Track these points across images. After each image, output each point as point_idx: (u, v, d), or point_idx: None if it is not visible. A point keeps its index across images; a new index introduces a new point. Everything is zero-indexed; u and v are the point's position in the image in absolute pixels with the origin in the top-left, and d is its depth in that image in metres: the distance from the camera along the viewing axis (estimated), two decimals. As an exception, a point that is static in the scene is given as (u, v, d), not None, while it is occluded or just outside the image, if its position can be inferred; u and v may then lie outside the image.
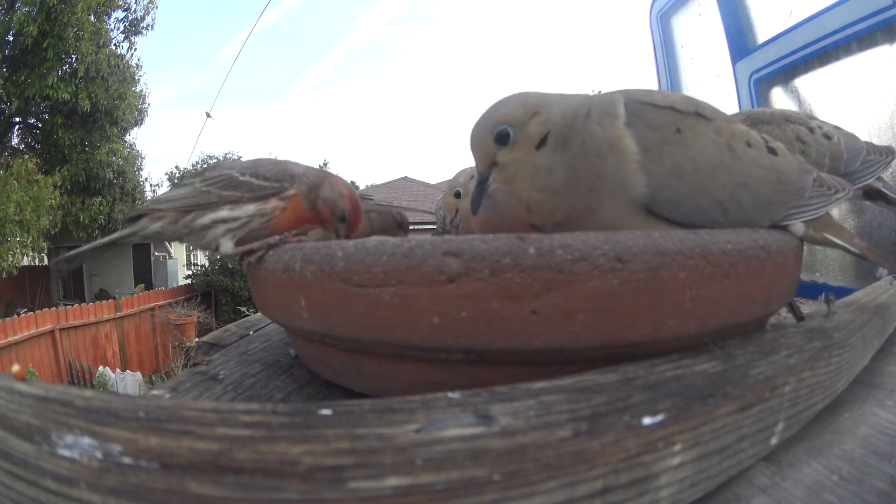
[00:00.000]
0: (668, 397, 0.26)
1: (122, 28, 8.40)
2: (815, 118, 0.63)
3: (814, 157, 0.58)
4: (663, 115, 0.39)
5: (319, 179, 0.55)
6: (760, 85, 1.12)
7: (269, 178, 0.53)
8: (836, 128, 0.63)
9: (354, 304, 0.34)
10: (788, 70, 1.05)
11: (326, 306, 0.36)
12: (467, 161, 0.74)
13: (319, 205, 0.54)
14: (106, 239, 0.59)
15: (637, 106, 0.40)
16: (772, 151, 0.42)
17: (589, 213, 0.40)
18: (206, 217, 0.51)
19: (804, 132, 0.60)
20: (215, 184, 0.52)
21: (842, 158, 0.59)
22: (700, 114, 0.40)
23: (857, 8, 0.89)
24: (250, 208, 0.52)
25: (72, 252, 0.61)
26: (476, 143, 0.42)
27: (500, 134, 0.41)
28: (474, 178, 0.66)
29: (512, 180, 0.42)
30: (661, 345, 0.33)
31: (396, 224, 0.83)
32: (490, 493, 0.20)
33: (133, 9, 8.39)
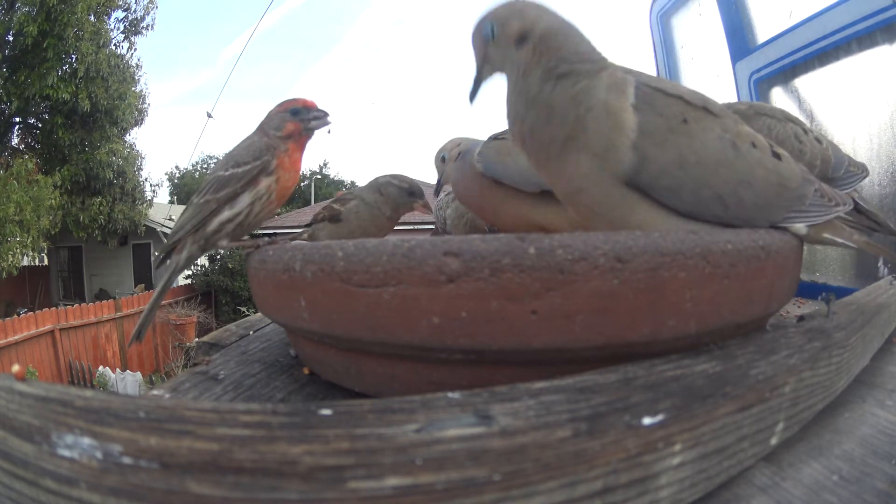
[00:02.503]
0: (668, 397, 0.26)
1: (122, 28, 8.41)
2: (804, 124, 0.67)
3: (808, 157, 0.62)
4: (672, 104, 0.40)
5: (276, 125, 0.57)
6: (760, 85, 1.12)
7: (249, 161, 0.55)
8: (823, 136, 0.68)
9: (354, 304, 0.34)
10: (788, 70, 1.05)
11: (326, 306, 0.36)
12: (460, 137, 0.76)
13: (293, 133, 0.57)
14: (160, 290, 0.63)
15: (647, 90, 0.40)
16: (776, 156, 0.42)
17: (561, 163, 0.41)
18: (213, 223, 0.55)
19: (801, 132, 0.64)
20: (209, 191, 0.55)
21: (830, 162, 0.65)
22: (708, 109, 0.41)
23: (857, 8, 0.89)
24: (245, 198, 0.55)
25: (140, 325, 0.64)
26: (472, 41, 0.47)
27: (486, 31, 0.45)
28: (460, 144, 0.72)
29: (497, 70, 0.46)
30: (661, 345, 0.33)
31: (407, 193, 0.72)
32: (490, 493, 0.20)
33: (133, 9, 8.40)
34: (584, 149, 0.40)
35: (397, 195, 0.70)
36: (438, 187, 0.81)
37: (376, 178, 0.74)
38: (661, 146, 0.39)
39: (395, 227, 0.78)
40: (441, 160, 0.77)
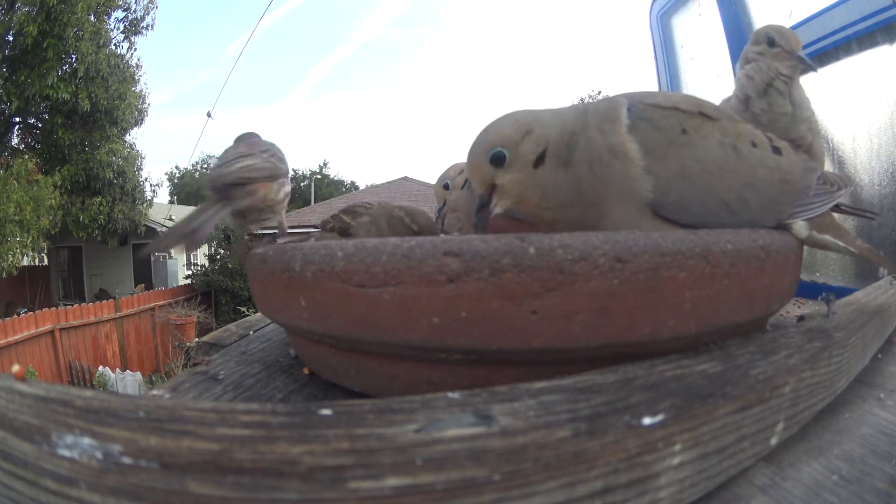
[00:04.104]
0: (668, 397, 0.26)
1: (122, 28, 8.42)
2: None
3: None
4: (668, 116, 0.39)
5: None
6: (760, 85, 1.12)
7: (284, 161, 0.53)
8: None
9: (354, 304, 0.34)
10: (788, 70, 1.05)
11: (326, 306, 0.36)
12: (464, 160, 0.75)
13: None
14: (208, 219, 0.48)
15: (641, 107, 0.40)
16: (776, 151, 0.42)
17: (599, 220, 0.40)
18: (284, 189, 0.51)
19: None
20: (274, 156, 0.51)
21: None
22: (704, 113, 0.40)
23: (857, 8, 0.89)
24: (287, 188, 0.52)
25: (168, 238, 0.54)
26: (473, 168, 0.42)
27: (495, 156, 0.41)
28: (465, 172, 0.69)
29: (518, 200, 0.42)
30: (661, 345, 0.33)
31: (416, 232, 0.64)
32: (490, 493, 0.20)
33: (133, 9, 8.41)
34: (611, 198, 0.39)
35: (406, 233, 0.64)
36: (439, 215, 0.76)
37: (392, 208, 0.68)
38: (663, 160, 0.38)
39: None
40: (444, 188, 0.73)
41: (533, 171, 0.40)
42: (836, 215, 0.47)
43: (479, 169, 0.42)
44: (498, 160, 0.41)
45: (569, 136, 0.40)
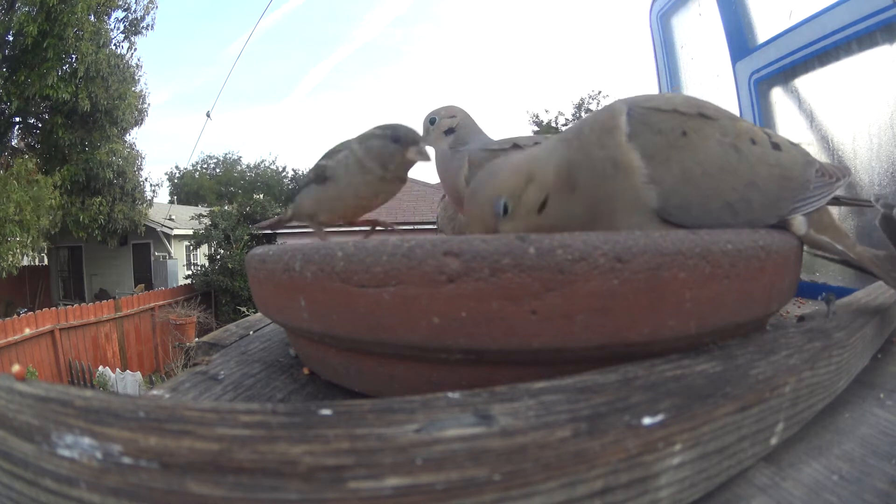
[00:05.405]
0: (668, 397, 0.26)
1: (122, 28, 8.44)
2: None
3: None
4: (668, 119, 0.39)
5: None
6: (760, 85, 1.12)
7: None
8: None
9: (354, 304, 0.34)
10: (788, 70, 1.05)
11: (326, 306, 0.36)
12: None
13: None
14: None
15: (641, 112, 0.40)
16: (776, 147, 0.42)
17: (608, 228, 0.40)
18: None
19: None
20: None
21: None
22: (703, 114, 0.40)
23: (857, 8, 0.89)
24: None
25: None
26: (475, 219, 0.42)
27: (498, 208, 0.41)
28: (455, 118, 0.70)
29: None
30: (661, 345, 0.33)
31: (391, 140, 0.56)
32: (490, 493, 0.20)
33: (133, 9, 8.43)
34: (617, 209, 0.39)
35: (381, 146, 0.55)
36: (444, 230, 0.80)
37: (364, 133, 0.60)
38: (665, 165, 0.38)
39: (397, 228, 0.72)
40: (429, 122, 0.72)
41: (536, 217, 0.41)
42: (835, 215, 0.47)
43: (481, 220, 0.42)
44: (500, 212, 0.41)
45: (566, 169, 0.40)
